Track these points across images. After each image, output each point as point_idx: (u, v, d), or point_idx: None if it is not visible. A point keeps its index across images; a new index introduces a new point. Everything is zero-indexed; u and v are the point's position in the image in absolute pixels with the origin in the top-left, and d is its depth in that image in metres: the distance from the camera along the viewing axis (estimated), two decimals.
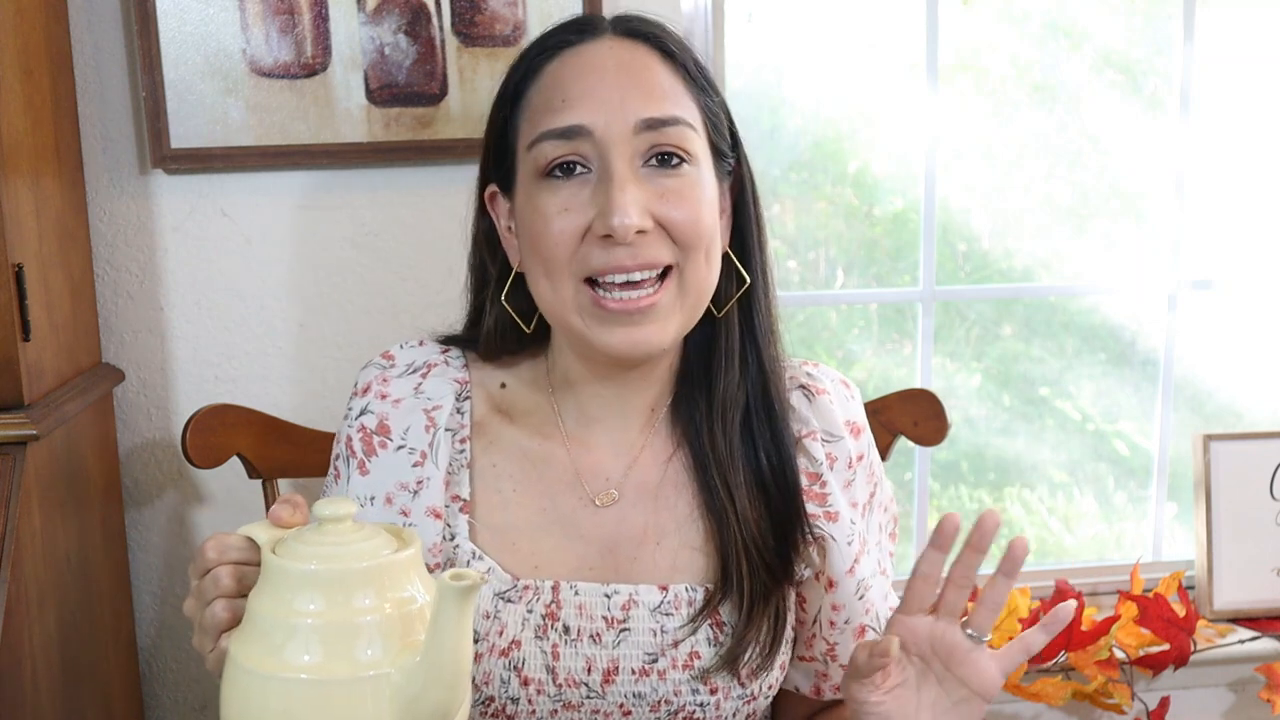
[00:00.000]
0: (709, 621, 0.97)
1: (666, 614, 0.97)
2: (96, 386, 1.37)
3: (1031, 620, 1.69)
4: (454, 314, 1.09)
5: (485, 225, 1.02)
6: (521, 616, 0.96)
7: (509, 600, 0.96)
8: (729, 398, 0.99)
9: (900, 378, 1.85)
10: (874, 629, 1.04)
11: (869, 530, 1.05)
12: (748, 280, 0.99)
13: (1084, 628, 1.65)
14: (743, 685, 0.98)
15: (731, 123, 0.99)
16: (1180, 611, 1.68)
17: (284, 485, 1.49)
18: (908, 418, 1.41)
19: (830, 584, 1.02)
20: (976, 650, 0.92)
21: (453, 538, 0.98)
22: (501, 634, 0.95)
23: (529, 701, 0.96)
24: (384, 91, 1.45)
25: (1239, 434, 1.81)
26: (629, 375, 0.99)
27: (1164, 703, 1.69)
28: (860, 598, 1.02)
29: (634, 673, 0.96)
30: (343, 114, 1.44)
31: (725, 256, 0.98)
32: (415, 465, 0.99)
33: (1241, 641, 1.73)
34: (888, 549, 1.08)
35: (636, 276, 0.90)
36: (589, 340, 0.93)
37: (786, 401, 1.02)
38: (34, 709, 1.16)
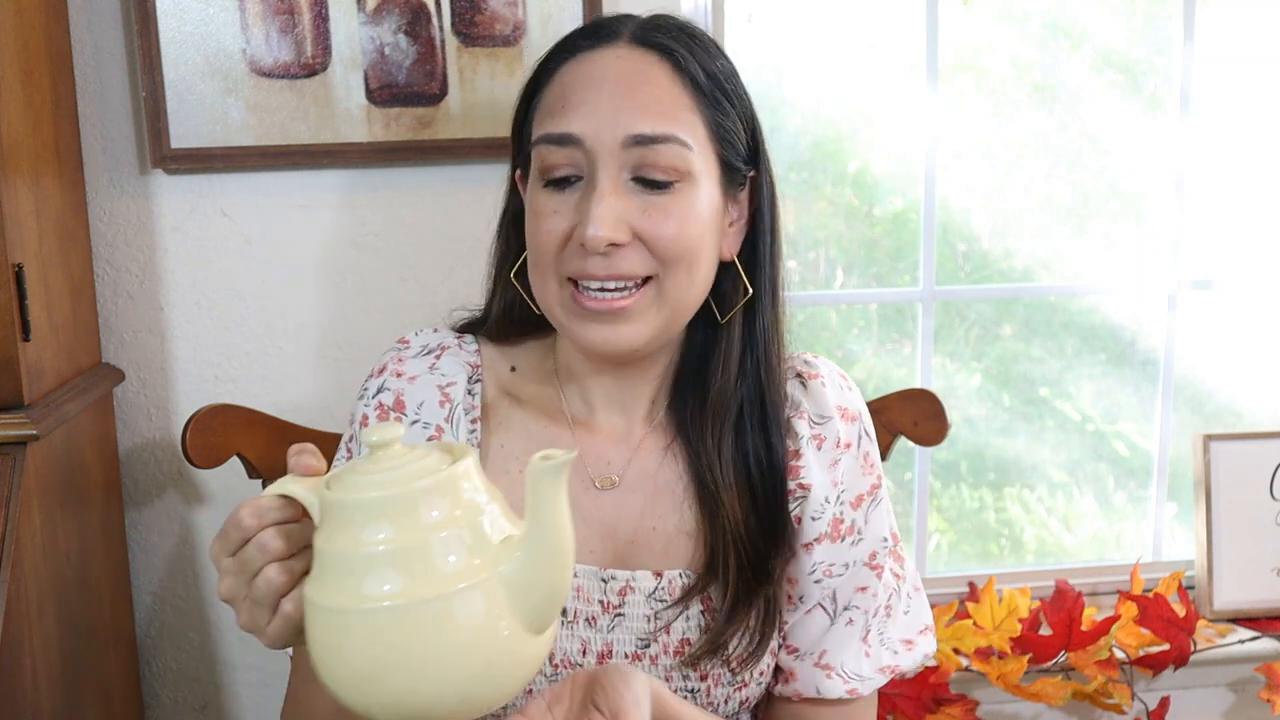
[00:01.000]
0: (701, 609, 0.99)
1: (661, 600, 0.99)
2: (96, 386, 1.37)
3: (1032, 620, 1.69)
4: (456, 312, 1.12)
5: (516, 203, 1.04)
6: None
7: None
8: (723, 402, 1.00)
9: (900, 378, 1.85)
10: (826, 610, 1.03)
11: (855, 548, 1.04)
12: (751, 291, 1.00)
13: (1084, 628, 1.65)
14: (733, 673, 1.00)
15: (754, 135, 0.99)
16: (1180, 611, 1.68)
17: None
18: (908, 418, 1.41)
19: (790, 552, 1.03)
20: None
21: None
22: None
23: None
24: (384, 91, 1.45)
25: (1239, 434, 1.82)
26: (625, 369, 1.01)
27: (1164, 703, 1.69)
28: (816, 581, 1.03)
29: (627, 657, 0.98)
30: (343, 114, 1.44)
31: (732, 265, 0.99)
32: (430, 440, 1.01)
33: (1241, 641, 1.73)
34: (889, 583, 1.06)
35: (610, 285, 0.92)
36: (570, 334, 0.96)
37: (784, 408, 1.03)
38: (34, 709, 1.15)
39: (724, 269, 1.00)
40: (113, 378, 1.44)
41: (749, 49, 1.73)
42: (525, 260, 1.00)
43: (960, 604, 1.70)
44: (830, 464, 1.03)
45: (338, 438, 1.16)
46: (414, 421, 1.02)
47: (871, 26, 1.76)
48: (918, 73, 1.73)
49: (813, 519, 1.02)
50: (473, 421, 1.02)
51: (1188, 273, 1.84)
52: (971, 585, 1.76)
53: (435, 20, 1.44)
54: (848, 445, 1.04)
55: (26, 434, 1.17)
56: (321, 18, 1.42)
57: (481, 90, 1.46)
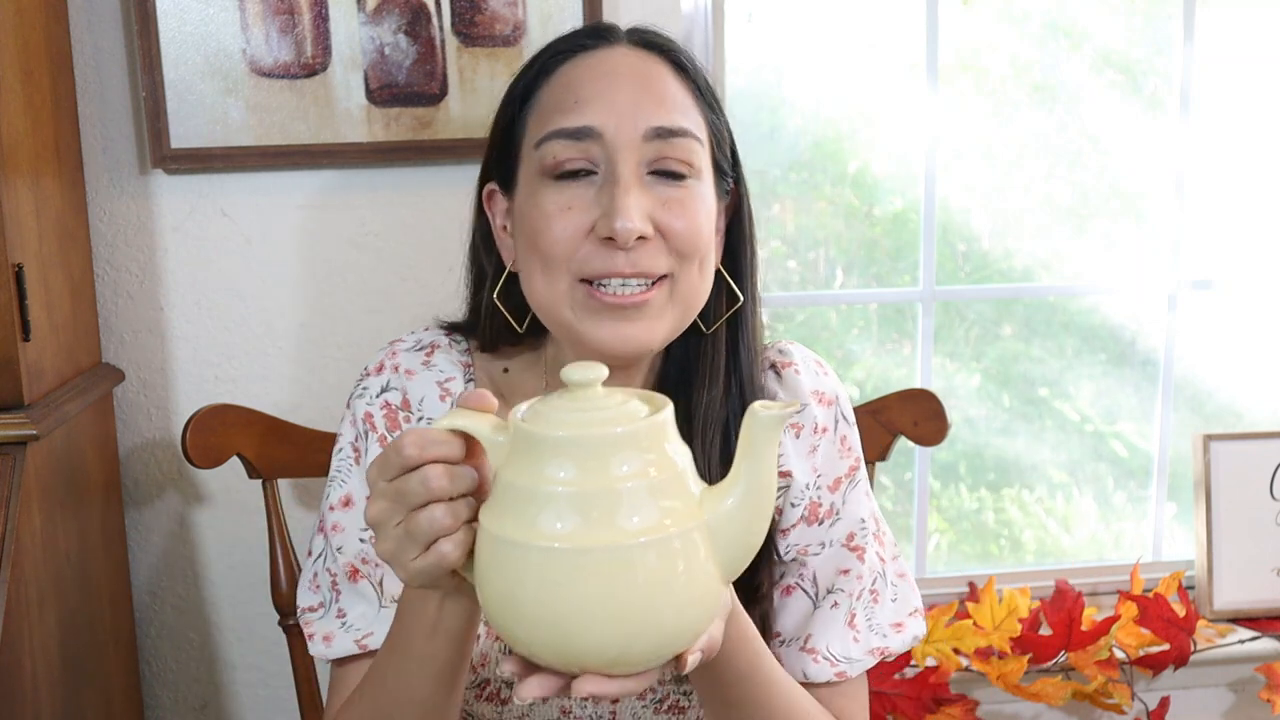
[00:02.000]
0: None
1: None
2: (96, 386, 1.37)
3: (1032, 620, 1.69)
4: (453, 313, 1.10)
5: (482, 225, 1.03)
6: None
7: None
8: (710, 415, 0.99)
9: (900, 378, 1.85)
10: (807, 593, 1.03)
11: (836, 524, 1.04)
12: (740, 299, 1.00)
13: (1084, 628, 1.65)
14: None
15: (733, 144, 1.01)
16: (1180, 611, 1.68)
17: (284, 485, 1.49)
18: (908, 418, 1.41)
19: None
20: None
21: None
22: None
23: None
24: (384, 91, 1.45)
25: (1239, 434, 1.82)
26: (611, 378, 1.00)
27: (1164, 703, 1.69)
28: (792, 560, 1.03)
29: None
30: (343, 114, 1.44)
31: (717, 274, 0.99)
32: None
33: (1241, 641, 1.73)
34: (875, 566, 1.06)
35: (632, 283, 0.91)
36: (579, 334, 0.93)
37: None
38: (34, 709, 1.15)
39: None
40: (113, 378, 1.44)
41: (749, 49, 1.73)
42: (506, 280, 1.00)
43: (960, 604, 1.70)
44: (809, 451, 1.03)
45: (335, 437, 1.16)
46: (420, 418, 1.01)
47: (871, 26, 1.76)
48: (918, 73, 1.73)
49: (792, 505, 1.02)
50: None
51: (1188, 273, 1.84)
52: (971, 585, 1.76)
53: (435, 20, 1.44)
54: (824, 430, 1.04)
55: (26, 434, 1.17)
56: (321, 18, 1.42)
57: (481, 90, 1.46)
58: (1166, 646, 1.68)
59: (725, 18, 1.63)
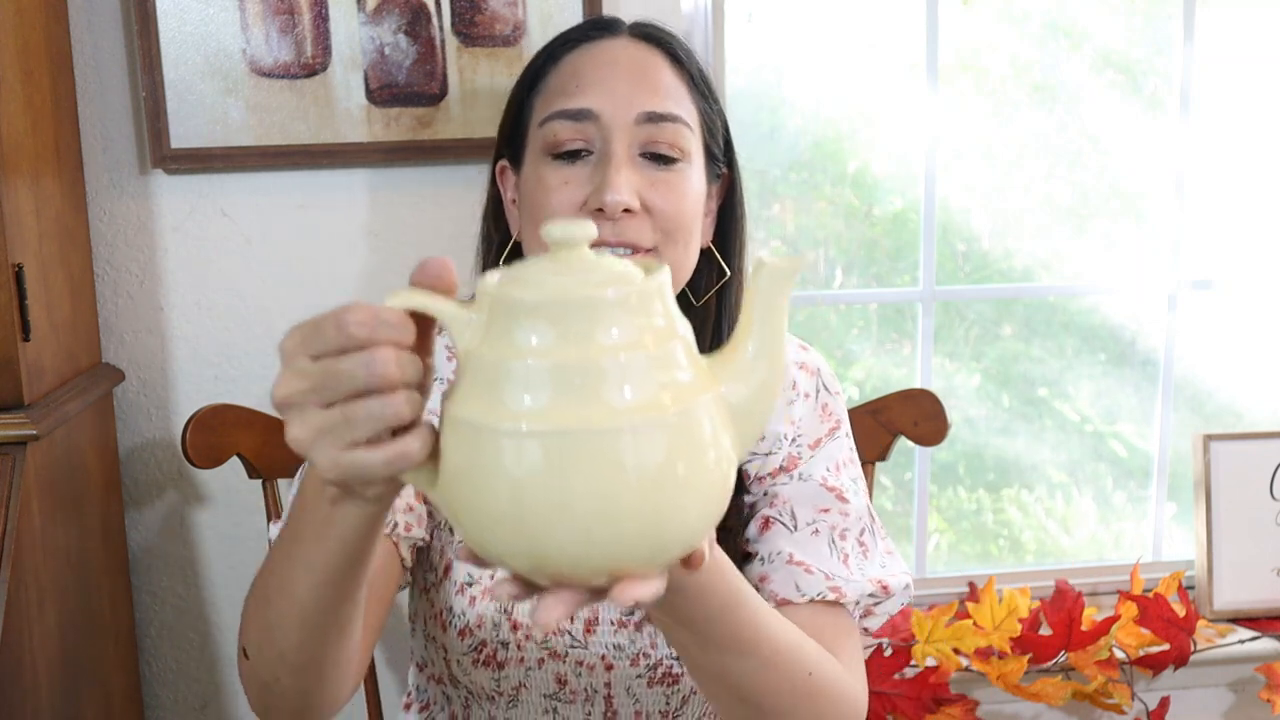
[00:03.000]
0: None
1: None
2: (96, 386, 1.37)
3: (1032, 620, 1.69)
4: None
5: (494, 198, 1.11)
6: None
7: None
8: None
9: (900, 378, 1.85)
10: (783, 524, 1.02)
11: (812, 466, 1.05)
12: (728, 274, 1.07)
13: (1084, 628, 1.65)
14: None
15: (727, 131, 1.08)
16: (1180, 611, 1.68)
17: (284, 485, 1.49)
18: (908, 418, 1.41)
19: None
20: None
21: None
22: (493, 576, 1.01)
23: (518, 647, 1.01)
24: (384, 91, 1.45)
25: (1239, 434, 1.81)
26: None
27: (1164, 703, 1.69)
28: (764, 494, 1.05)
29: (613, 624, 1.02)
30: (343, 114, 1.44)
31: (708, 251, 1.06)
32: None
33: (1241, 641, 1.73)
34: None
35: (619, 251, 0.98)
36: None
37: None
38: (34, 709, 1.16)
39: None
40: (113, 378, 1.44)
41: (749, 49, 1.73)
42: (511, 251, 1.07)
43: (960, 604, 1.70)
44: (786, 404, 1.07)
45: None
46: (436, 379, 1.01)
47: (871, 26, 1.76)
48: (918, 73, 1.72)
49: (769, 454, 1.05)
50: None
51: (1188, 273, 1.84)
52: (971, 585, 1.76)
53: (435, 20, 1.44)
54: (807, 395, 1.08)
55: (26, 434, 1.17)
56: (321, 18, 1.42)
57: (481, 90, 1.46)
58: (1166, 646, 1.68)
59: (725, 18, 1.63)
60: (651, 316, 0.58)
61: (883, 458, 1.41)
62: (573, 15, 1.45)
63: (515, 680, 1.03)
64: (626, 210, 0.96)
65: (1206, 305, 1.88)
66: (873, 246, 1.84)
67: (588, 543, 0.56)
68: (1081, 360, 1.91)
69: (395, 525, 0.98)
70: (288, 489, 1.51)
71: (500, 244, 1.09)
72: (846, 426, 1.09)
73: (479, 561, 0.62)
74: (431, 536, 1.05)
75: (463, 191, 1.50)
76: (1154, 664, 1.67)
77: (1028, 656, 1.62)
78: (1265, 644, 1.73)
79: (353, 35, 1.43)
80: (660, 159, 0.99)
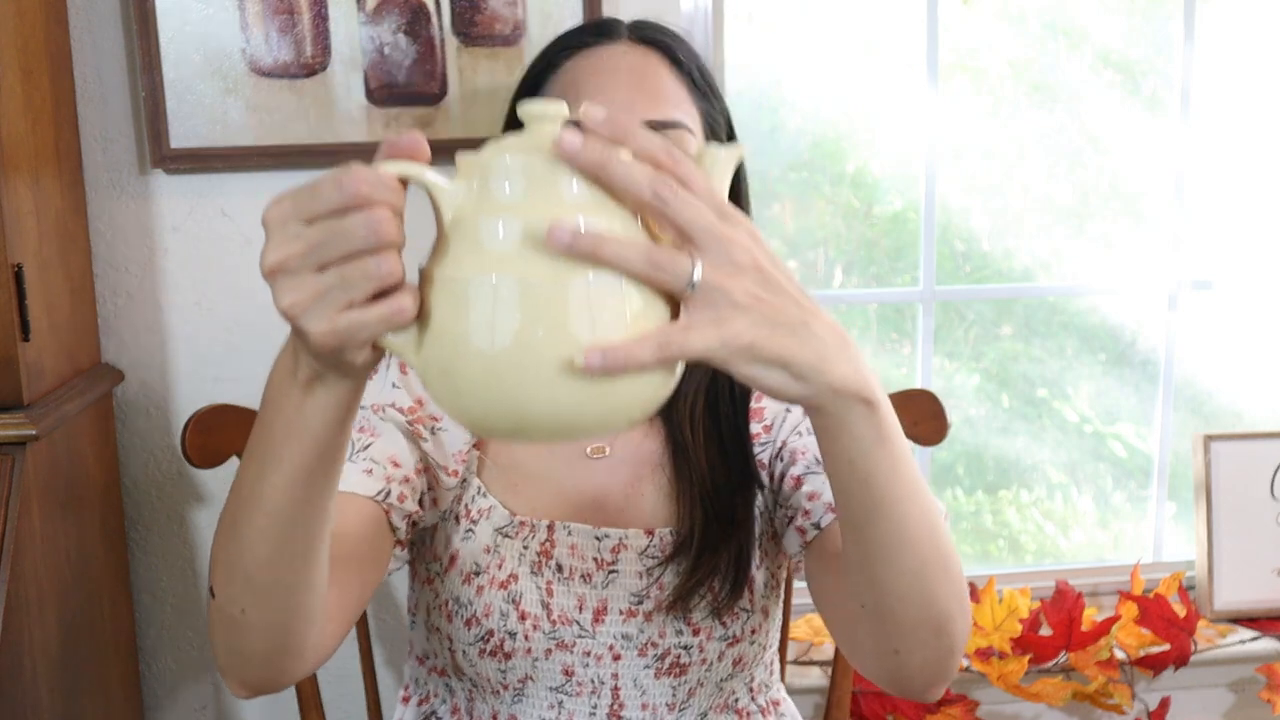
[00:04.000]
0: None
1: (653, 557, 1.03)
2: (96, 386, 1.37)
3: (1032, 620, 1.69)
4: None
5: None
6: (518, 552, 1.02)
7: (507, 535, 1.03)
8: (693, 374, 1.03)
9: (900, 378, 1.85)
10: (813, 472, 1.01)
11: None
12: None
13: (1084, 628, 1.65)
14: (724, 626, 1.03)
15: (730, 127, 1.07)
16: (1180, 612, 1.68)
17: None
18: (908, 418, 1.41)
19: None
20: None
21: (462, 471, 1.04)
22: (500, 567, 1.02)
23: (525, 637, 1.01)
24: (384, 91, 1.45)
25: (1239, 434, 1.82)
26: None
27: (1164, 703, 1.69)
28: (780, 456, 1.05)
29: (621, 613, 1.03)
30: (342, 114, 1.44)
31: None
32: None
33: (1242, 642, 1.73)
34: None
35: None
36: None
37: None
38: (34, 709, 1.15)
39: None
40: (113, 378, 1.44)
41: (749, 49, 1.73)
42: None
43: None
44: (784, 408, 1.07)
45: None
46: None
47: (871, 26, 1.76)
48: (917, 73, 1.73)
49: (790, 431, 1.05)
50: None
51: (1187, 273, 1.84)
52: (971, 586, 1.76)
53: (435, 20, 1.44)
54: None
55: (26, 434, 1.17)
56: (321, 18, 1.42)
57: (481, 90, 1.46)
58: (1167, 647, 1.68)
59: (725, 18, 1.63)
60: None
61: None
62: (573, 15, 1.45)
63: (522, 671, 1.03)
64: None
65: (1206, 305, 1.88)
66: (872, 246, 1.84)
67: (570, 379, 0.59)
68: (1081, 360, 1.91)
69: (388, 494, 0.95)
70: None
71: None
72: None
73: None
74: (436, 527, 1.05)
75: None
76: (1154, 664, 1.67)
77: (1028, 657, 1.62)
78: (1265, 644, 1.73)
79: (352, 35, 1.43)
80: None
